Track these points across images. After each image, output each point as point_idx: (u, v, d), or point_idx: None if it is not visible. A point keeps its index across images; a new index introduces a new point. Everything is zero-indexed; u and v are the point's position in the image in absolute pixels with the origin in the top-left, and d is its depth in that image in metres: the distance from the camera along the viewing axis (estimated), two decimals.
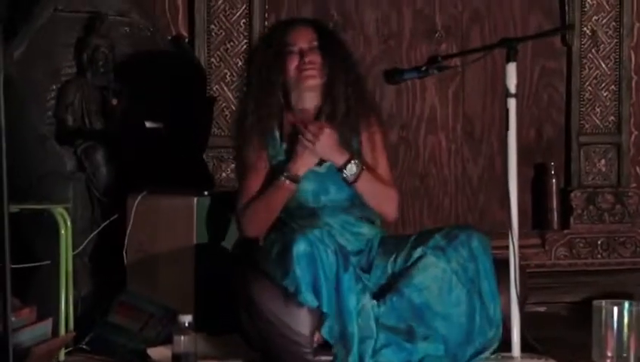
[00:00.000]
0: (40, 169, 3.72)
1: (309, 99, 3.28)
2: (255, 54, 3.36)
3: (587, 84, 4.83)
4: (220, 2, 4.49)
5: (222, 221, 3.60)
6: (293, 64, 3.27)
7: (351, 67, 3.34)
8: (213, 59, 4.48)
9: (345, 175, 3.22)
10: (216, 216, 3.60)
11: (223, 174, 4.45)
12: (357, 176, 3.22)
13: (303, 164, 3.20)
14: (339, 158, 3.21)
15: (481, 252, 3.19)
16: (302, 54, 3.27)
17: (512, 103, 3.17)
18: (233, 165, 4.26)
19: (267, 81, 3.25)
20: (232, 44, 4.50)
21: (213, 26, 4.49)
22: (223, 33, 4.50)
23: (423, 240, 3.22)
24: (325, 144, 3.17)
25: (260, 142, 3.25)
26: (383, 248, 3.30)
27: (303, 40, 3.29)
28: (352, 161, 3.22)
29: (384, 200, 3.29)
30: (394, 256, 3.24)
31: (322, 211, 3.27)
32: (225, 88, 4.49)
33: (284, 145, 3.28)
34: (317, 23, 3.40)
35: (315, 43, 3.30)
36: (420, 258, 3.18)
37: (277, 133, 3.29)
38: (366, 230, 3.32)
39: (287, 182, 3.18)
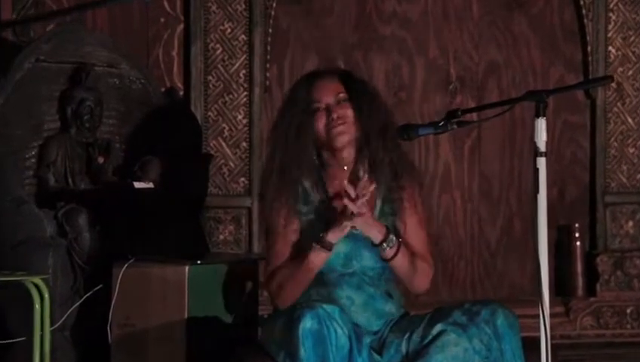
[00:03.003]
0: (17, 235, 3.63)
1: (343, 157, 3.13)
2: (280, 115, 3.20)
3: (613, 139, 4.76)
4: (218, 52, 4.43)
5: (219, 292, 3.48)
6: (321, 122, 3.10)
7: (385, 116, 3.17)
8: (210, 113, 4.45)
9: (383, 251, 3.08)
10: (212, 286, 3.48)
11: (221, 236, 4.37)
12: (395, 253, 3.07)
13: (341, 233, 3.05)
14: (377, 234, 3.06)
15: (508, 330, 3.02)
16: (329, 110, 3.11)
17: (542, 163, 3.02)
18: (233, 227, 4.23)
19: (296, 145, 3.09)
20: (230, 96, 4.45)
21: (210, 77, 4.44)
22: (222, 85, 4.46)
23: (442, 317, 3.05)
24: (365, 218, 3.02)
25: (290, 208, 3.10)
26: (396, 325, 3.14)
27: (329, 94, 3.12)
28: (390, 236, 3.07)
29: (417, 276, 3.15)
30: (408, 333, 3.07)
31: (348, 281, 3.11)
32: (223, 144, 4.42)
33: (323, 203, 3.13)
34: (343, 73, 3.24)
35: (343, 95, 3.13)
36: (438, 335, 3.01)
37: (312, 192, 3.14)
38: (390, 308, 3.16)
39: (319, 248, 3.03)
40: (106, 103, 3.97)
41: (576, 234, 4.65)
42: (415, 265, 3.12)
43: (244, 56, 4.42)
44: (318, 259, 3.03)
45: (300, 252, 3.09)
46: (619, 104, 4.71)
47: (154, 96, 4.10)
